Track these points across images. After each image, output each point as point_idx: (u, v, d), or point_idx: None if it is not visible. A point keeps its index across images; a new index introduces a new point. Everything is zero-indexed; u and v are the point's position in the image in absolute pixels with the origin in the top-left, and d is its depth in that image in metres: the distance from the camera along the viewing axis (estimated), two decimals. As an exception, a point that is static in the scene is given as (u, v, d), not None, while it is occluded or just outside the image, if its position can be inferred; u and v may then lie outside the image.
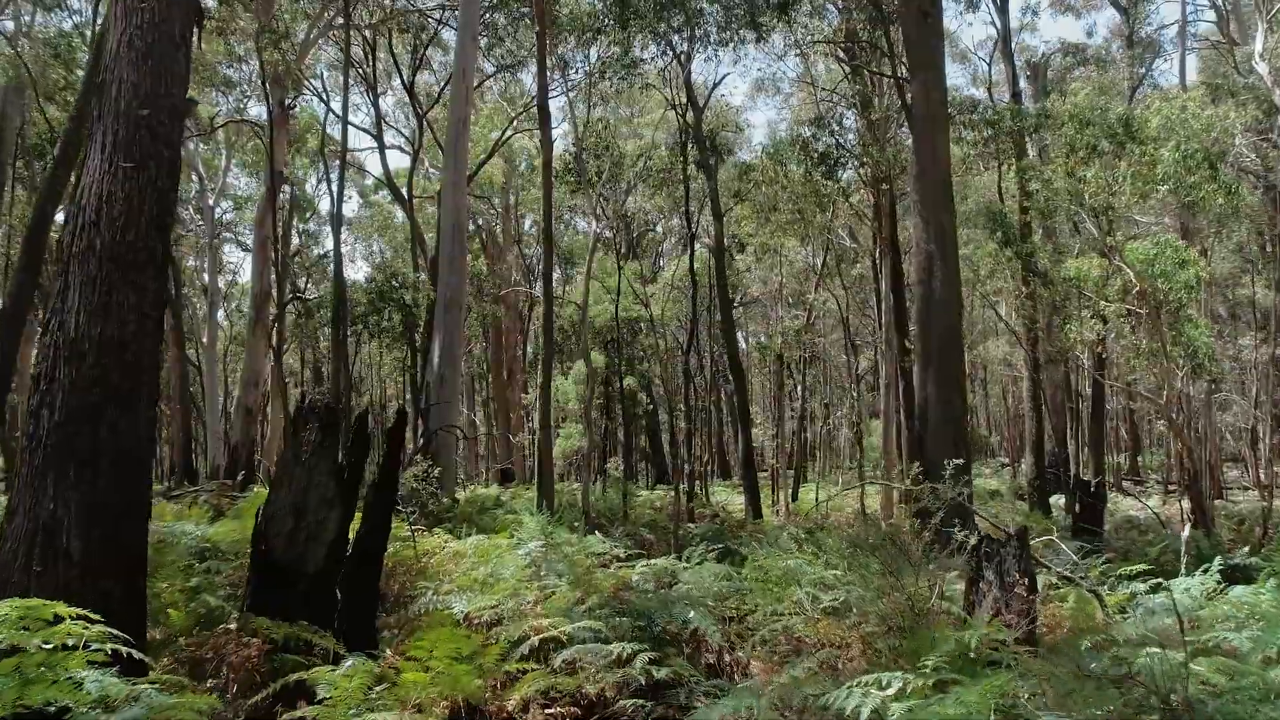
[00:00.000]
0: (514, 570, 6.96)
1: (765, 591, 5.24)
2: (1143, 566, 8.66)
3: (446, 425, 15.32)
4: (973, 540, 4.94)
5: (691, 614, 4.67)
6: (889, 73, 16.74)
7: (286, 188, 34.64)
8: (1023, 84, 25.28)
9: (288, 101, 20.90)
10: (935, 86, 13.17)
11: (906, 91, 15.19)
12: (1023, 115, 19.03)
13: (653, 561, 9.41)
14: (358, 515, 4.72)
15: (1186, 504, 17.87)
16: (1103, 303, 14.21)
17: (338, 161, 18.07)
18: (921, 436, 12.68)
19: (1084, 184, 13.70)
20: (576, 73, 17.40)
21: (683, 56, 19.30)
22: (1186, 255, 13.94)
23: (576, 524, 14.65)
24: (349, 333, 17.63)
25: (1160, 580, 8.21)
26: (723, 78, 21.25)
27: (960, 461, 12.30)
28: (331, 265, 30.65)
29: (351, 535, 4.73)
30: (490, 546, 8.84)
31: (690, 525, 14.90)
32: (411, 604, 6.26)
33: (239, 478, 19.56)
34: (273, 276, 20.23)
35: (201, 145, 36.00)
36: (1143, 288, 14.01)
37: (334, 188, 14.58)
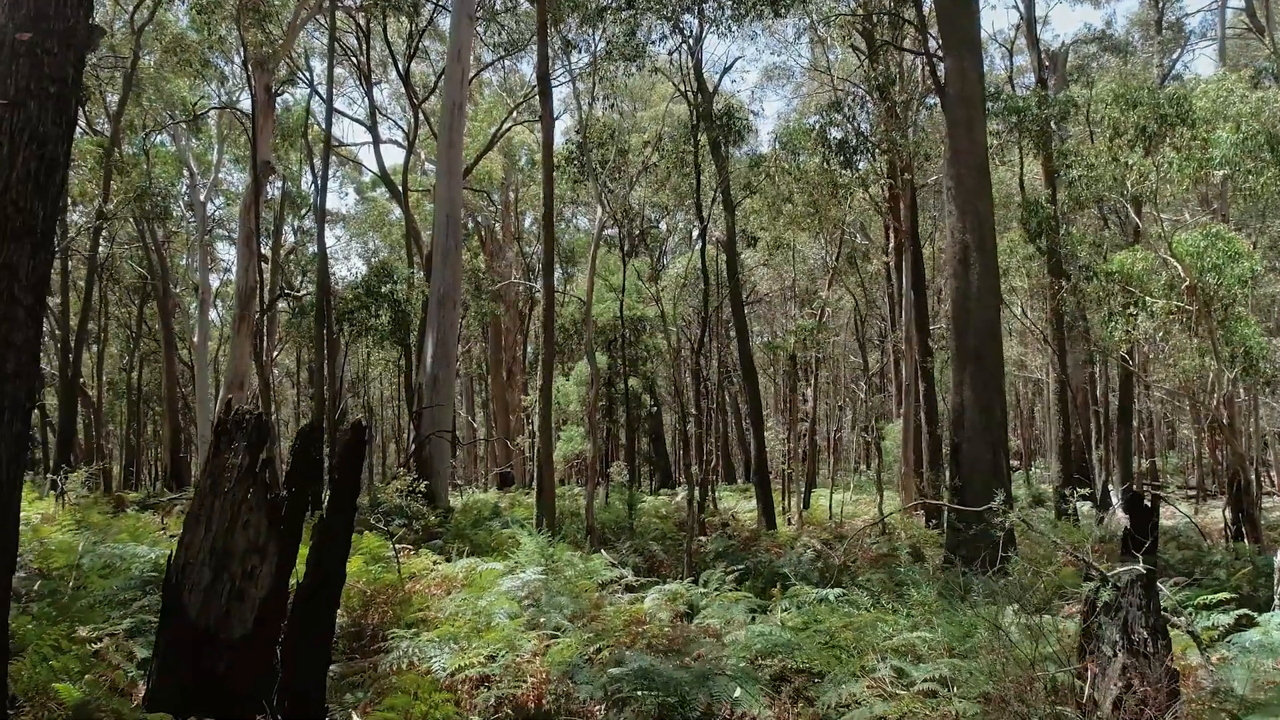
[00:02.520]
0: (509, 609, 5.90)
1: (831, 657, 4.17)
2: (1224, 595, 7.62)
3: (439, 430, 14.27)
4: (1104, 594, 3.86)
5: (737, 692, 3.63)
6: (914, 49, 15.68)
7: (278, 182, 33.58)
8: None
9: (275, 88, 19.83)
10: (971, 63, 12.12)
11: (936, 70, 14.12)
12: (1050, 103, 17.97)
13: (666, 587, 8.35)
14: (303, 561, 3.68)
15: (1228, 513, 16.82)
16: (1148, 299, 13.14)
17: (327, 148, 17.03)
18: (957, 445, 11.62)
19: (1129, 170, 12.63)
20: (581, 54, 16.38)
21: (692, 40, 18.26)
22: (1239, 248, 12.90)
23: (580, 536, 13.62)
24: (338, 331, 16.61)
25: (1249, 613, 7.16)
26: (733, 62, 20.23)
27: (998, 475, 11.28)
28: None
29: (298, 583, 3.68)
30: (485, 573, 7.79)
31: (701, 538, 13.84)
32: (386, 653, 5.20)
33: (222, 484, 18.47)
34: (260, 271, 19.16)
35: (194, 140, 35.01)
36: (1192, 283, 12.96)
37: (318, 175, 13.54)
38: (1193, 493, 31.66)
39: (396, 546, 9.20)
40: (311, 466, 3.47)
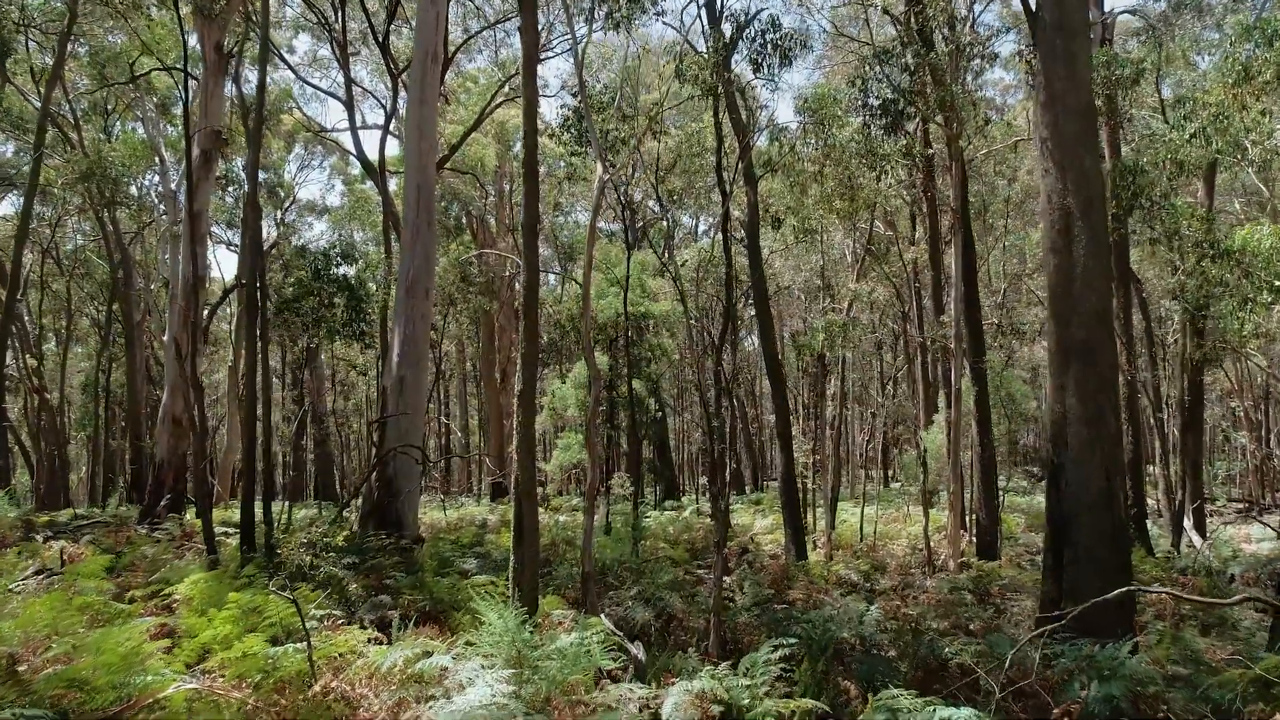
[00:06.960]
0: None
1: None
2: None
3: (405, 445, 11.73)
4: None
5: None
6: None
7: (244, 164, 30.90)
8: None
9: (229, 46, 17.31)
10: (1070, -18, 9.61)
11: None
12: (1121, 62, 15.43)
13: (694, 684, 5.82)
14: None
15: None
16: (1278, 282, 10.59)
17: (262, 73, 14.58)
18: (1058, 466, 9.07)
19: (1263, 119, 10.08)
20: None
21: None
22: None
23: (575, 576, 11.07)
24: (276, 324, 14.12)
25: None
26: (757, 12, 17.72)
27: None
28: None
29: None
30: (425, 673, 5.25)
31: (725, 579, 11.28)
32: None
33: (163, 504, 15.91)
34: (197, 260, 16.58)
35: (169, 128, 32.58)
36: (1336, 262, 10.42)
37: (251, 125, 11.09)
38: (1245, 506, 29.10)
39: (315, 615, 6.64)
40: None
